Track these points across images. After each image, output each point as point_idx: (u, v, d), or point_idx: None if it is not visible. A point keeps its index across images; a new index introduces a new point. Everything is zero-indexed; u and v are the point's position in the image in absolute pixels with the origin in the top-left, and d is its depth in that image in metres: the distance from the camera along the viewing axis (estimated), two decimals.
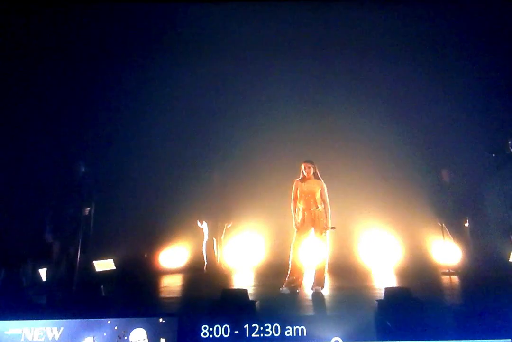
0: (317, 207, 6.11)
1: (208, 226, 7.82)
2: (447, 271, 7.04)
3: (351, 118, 7.72)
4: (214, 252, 7.79)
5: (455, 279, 6.84)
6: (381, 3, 7.26)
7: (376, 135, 7.65)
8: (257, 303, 4.53)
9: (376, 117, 7.56)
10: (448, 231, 7.11)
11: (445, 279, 6.85)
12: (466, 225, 7.04)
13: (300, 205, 6.17)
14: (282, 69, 7.79)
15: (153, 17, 7.37)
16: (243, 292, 4.33)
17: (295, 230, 6.14)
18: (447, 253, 7.20)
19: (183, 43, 7.67)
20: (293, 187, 6.27)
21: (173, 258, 8.02)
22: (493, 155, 6.34)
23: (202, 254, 7.77)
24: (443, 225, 7.09)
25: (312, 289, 6.01)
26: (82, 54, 7.25)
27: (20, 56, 6.81)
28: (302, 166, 6.21)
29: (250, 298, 4.58)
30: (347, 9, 7.28)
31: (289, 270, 6.04)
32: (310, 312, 5.08)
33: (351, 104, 7.68)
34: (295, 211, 6.19)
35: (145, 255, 7.88)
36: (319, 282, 6.05)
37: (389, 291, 3.91)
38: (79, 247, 5.74)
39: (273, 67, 7.77)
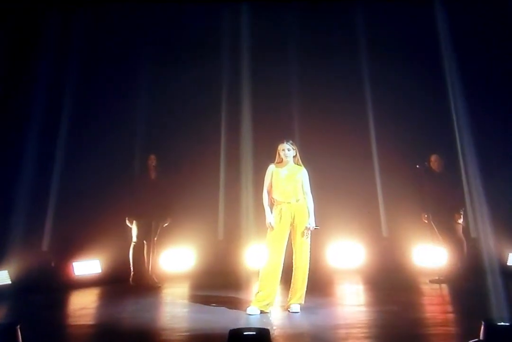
0: (297, 200, 4.87)
1: (138, 225, 6.44)
2: (437, 278, 6.09)
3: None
4: (144, 258, 6.48)
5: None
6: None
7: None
8: None
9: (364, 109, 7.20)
10: (436, 229, 6.22)
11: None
12: (460, 221, 6.16)
13: (276, 197, 4.91)
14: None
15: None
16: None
17: (269, 229, 4.86)
18: (435, 256, 6.37)
19: (182, 43, 7.35)
20: (267, 173, 5.01)
21: (89, 266, 6.80)
22: None
23: (128, 261, 6.49)
24: (431, 222, 6.21)
25: (288, 307, 4.80)
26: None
27: None
28: (280, 148, 4.97)
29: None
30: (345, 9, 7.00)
31: (258, 282, 4.80)
32: None
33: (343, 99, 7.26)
34: (268, 204, 4.95)
35: (52, 264, 6.60)
36: (298, 298, 4.81)
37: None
38: None
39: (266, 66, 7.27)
